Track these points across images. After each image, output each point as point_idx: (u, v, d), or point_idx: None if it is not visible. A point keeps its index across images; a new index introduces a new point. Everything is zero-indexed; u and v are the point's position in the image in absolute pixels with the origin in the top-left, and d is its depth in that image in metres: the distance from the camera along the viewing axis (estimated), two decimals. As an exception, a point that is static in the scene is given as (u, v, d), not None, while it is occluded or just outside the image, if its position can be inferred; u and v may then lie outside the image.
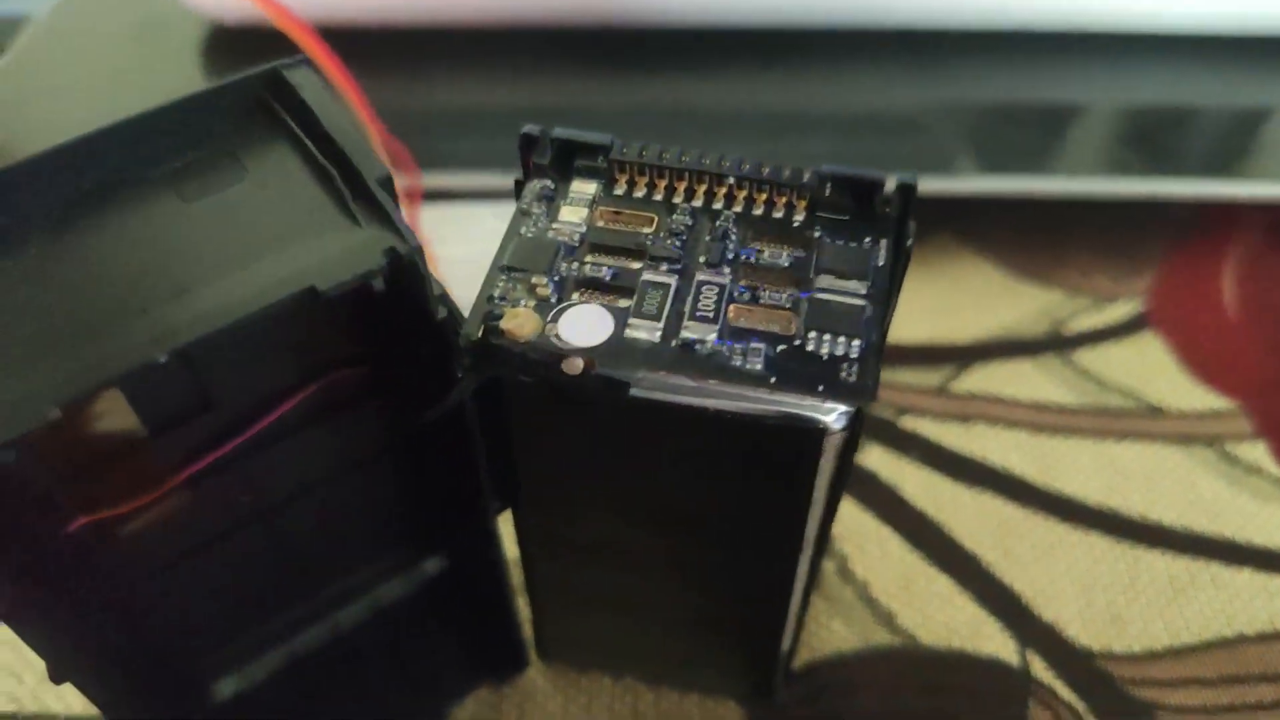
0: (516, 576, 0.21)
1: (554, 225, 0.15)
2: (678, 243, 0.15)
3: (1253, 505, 0.27)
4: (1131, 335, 0.31)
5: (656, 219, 0.15)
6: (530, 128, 0.16)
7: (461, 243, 0.22)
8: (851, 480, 0.27)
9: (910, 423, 0.29)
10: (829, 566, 0.25)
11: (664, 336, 0.14)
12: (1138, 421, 0.29)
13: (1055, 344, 0.31)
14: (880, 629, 0.24)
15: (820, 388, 0.14)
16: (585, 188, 0.16)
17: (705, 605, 0.20)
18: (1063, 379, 0.30)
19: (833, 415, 0.14)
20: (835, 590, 0.25)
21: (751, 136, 0.34)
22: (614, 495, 0.17)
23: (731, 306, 0.14)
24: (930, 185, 0.32)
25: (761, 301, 0.14)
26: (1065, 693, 0.23)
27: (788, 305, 0.14)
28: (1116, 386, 0.30)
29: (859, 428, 0.15)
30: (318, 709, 0.22)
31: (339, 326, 0.15)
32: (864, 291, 0.15)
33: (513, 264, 0.15)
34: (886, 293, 0.15)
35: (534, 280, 0.14)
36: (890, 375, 0.30)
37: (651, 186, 0.16)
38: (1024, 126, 0.34)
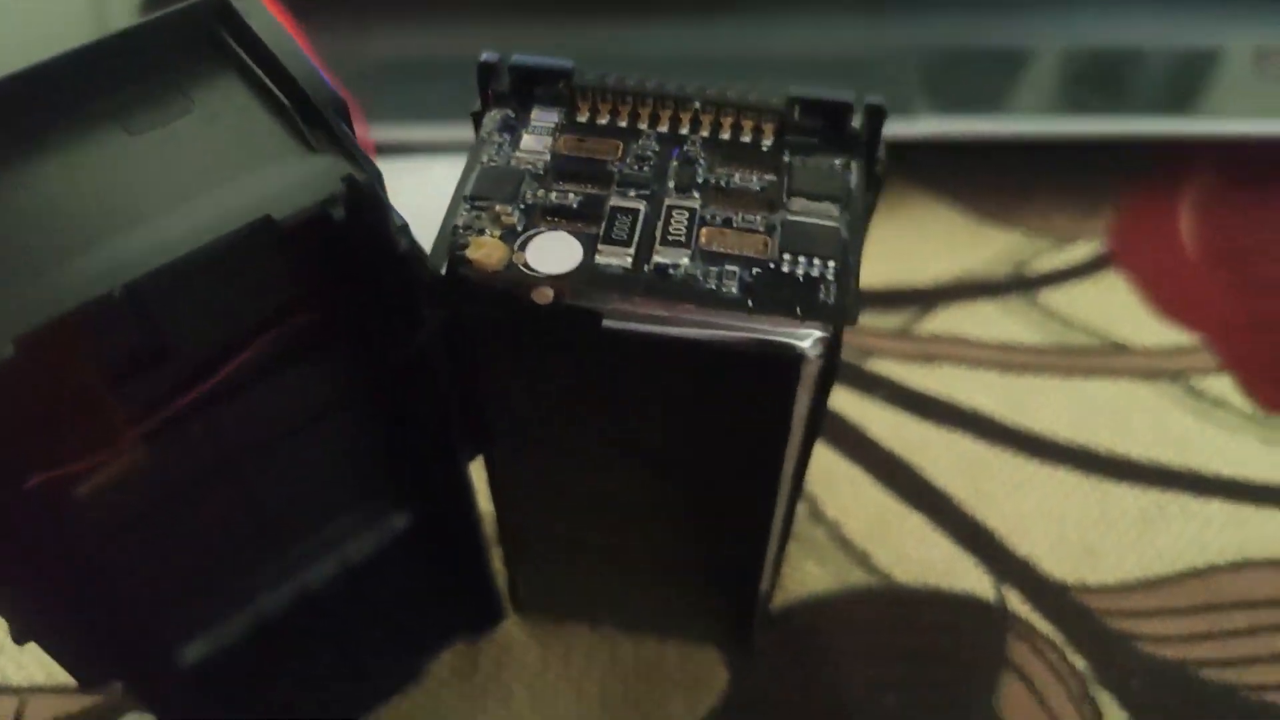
0: (489, 527, 0.21)
1: (517, 154, 0.15)
2: (645, 168, 0.15)
3: (1220, 437, 0.28)
4: (1094, 275, 0.32)
5: (622, 145, 0.15)
6: (489, 55, 0.15)
7: (412, 196, 0.22)
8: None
9: (875, 365, 0.29)
10: (801, 509, 0.25)
11: (635, 262, 0.14)
12: (1104, 359, 0.29)
13: (1018, 285, 0.31)
14: (856, 569, 0.24)
15: (799, 310, 0.13)
16: (547, 116, 0.15)
17: (683, 549, 0.20)
18: (1028, 319, 0.30)
19: (808, 341, 0.14)
20: (807, 532, 0.25)
21: (706, 82, 0.33)
22: (588, 436, 0.17)
23: (704, 231, 0.14)
24: (887, 130, 0.32)
25: (734, 225, 0.14)
26: (1043, 626, 0.23)
27: (761, 229, 0.14)
28: (1081, 325, 0.30)
29: (836, 357, 0.14)
30: (289, 669, 0.22)
31: (299, 262, 0.14)
32: (838, 213, 0.14)
33: (476, 193, 0.14)
34: (861, 214, 0.14)
35: (499, 209, 0.14)
36: (858, 320, 0.30)
37: (615, 113, 0.15)
38: (980, 69, 0.34)
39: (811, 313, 0.13)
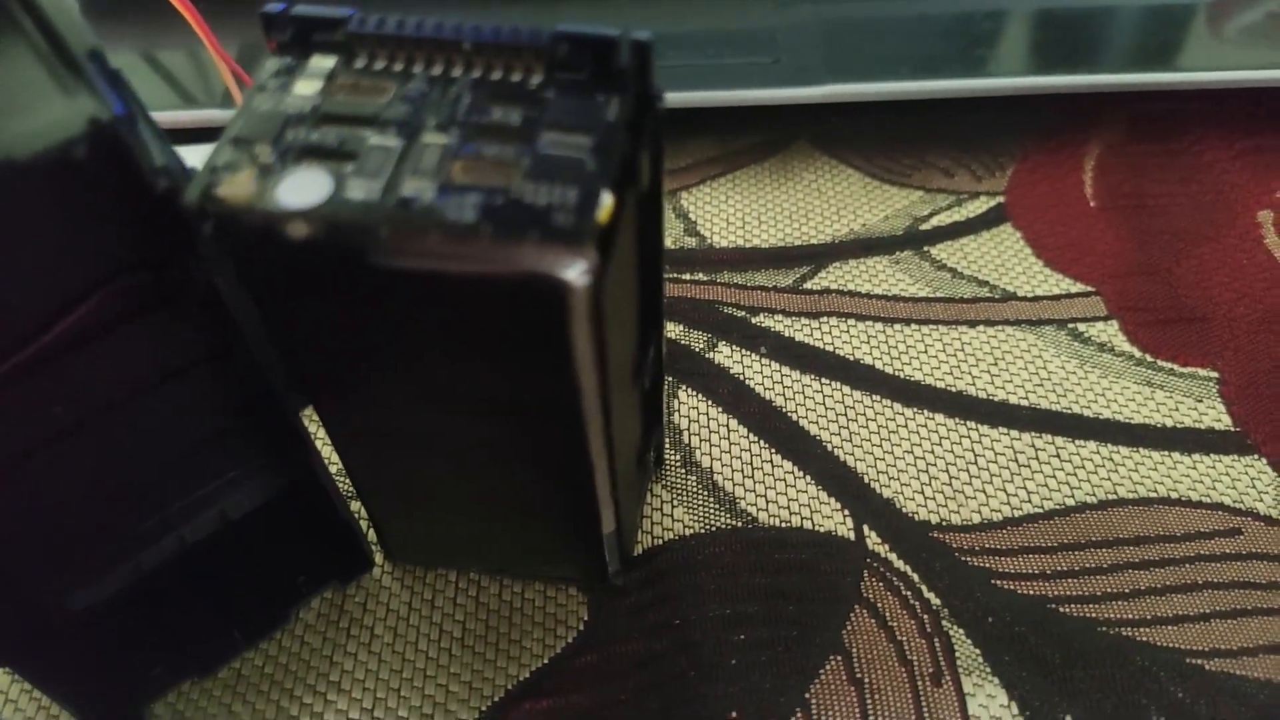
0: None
1: (288, 99, 0.15)
2: (409, 109, 0.15)
3: (1102, 382, 0.28)
4: (989, 229, 0.32)
5: (393, 88, 0.15)
6: (270, 6, 0.16)
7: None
8: (701, 376, 0.28)
9: (762, 320, 0.29)
10: (675, 458, 0.26)
11: (383, 193, 0.14)
12: (989, 307, 0.30)
13: (912, 241, 0.31)
14: (722, 514, 0.25)
15: (535, 233, 0.14)
16: (324, 63, 0.16)
17: (521, 492, 0.20)
18: (919, 273, 0.31)
19: (575, 270, 0.14)
20: (679, 480, 0.25)
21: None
22: (391, 379, 0.17)
23: (457, 164, 0.15)
24: (790, 94, 0.32)
25: (486, 159, 0.15)
26: (899, 563, 0.24)
27: (512, 161, 0.15)
28: (971, 277, 0.30)
29: (604, 284, 0.15)
30: (168, 617, 0.22)
31: (73, 211, 0.15)
32: (590, 145, 0.15)
33: (240, 135, 0.15)
34: (616, 145, 0.15)
35: (258, 150, 0.15)
36: (744, 278, 0.30)
37: (392, 59, 0.16)
38: (881, 34, 0.34)
39: (549, 236, 0.14)
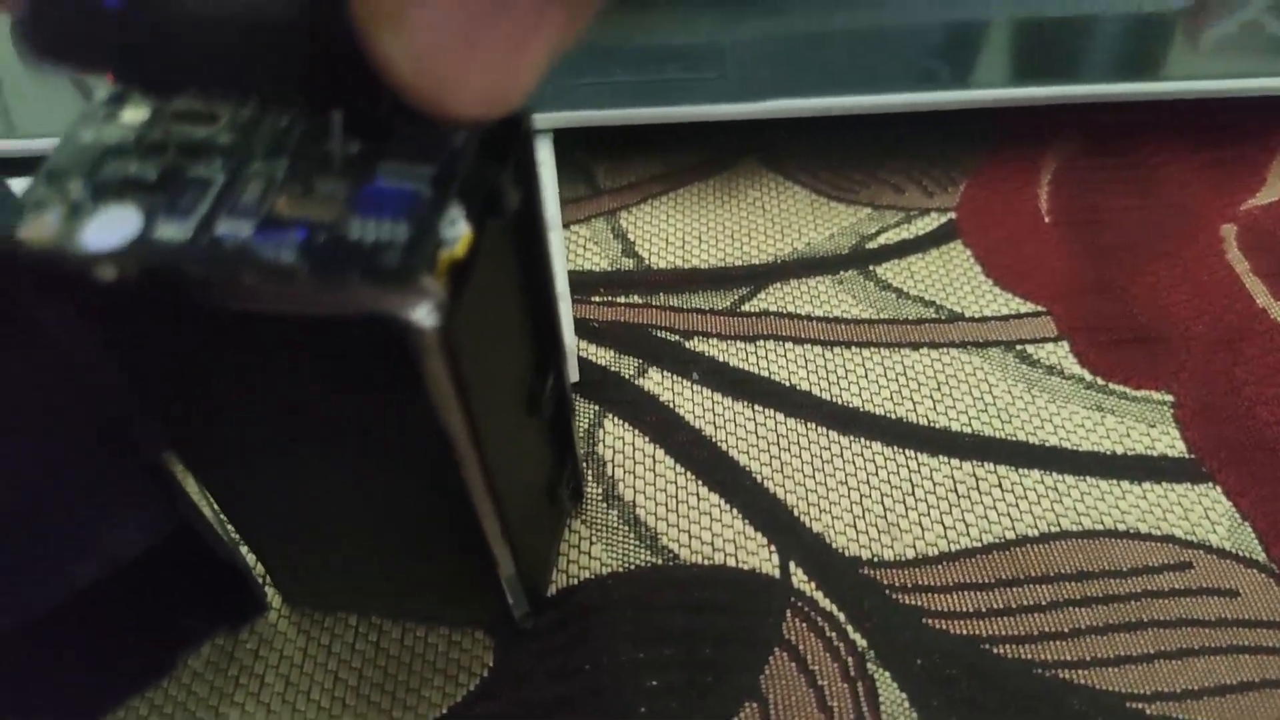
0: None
1: (110, 128, 0.14)
2: (240, 137, 0.14)
3: (1050, 406, 0.27)
4: (938, 247, 0.31)
5: (227, 114, 0.15)
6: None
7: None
8: (628, 404, 0.26)
9: (697, 345, 0.28)
10: (596, 492, 0.25)
11: (195, 231, 0.13)
12: (934, 329, 0.28)
13: (858, 259, 0.30)
14: (642, 550, 0.24)
15: (357, 274, 0.13)
16: (158, 88, 0.15)
17: (405, 532, 0.19)
18: (862, 293, 0.29)
19: (419, 311, 0.13)
20: (599, 515, 0.24)
21: (552, 72, 0.33)
22: (245, 416, 0.16)
23: (281, 199, 0.14)
24: (736, 110, 0.31)
25: (315, 192, 0.14)
26: (825, 602, 0.23)
27: (343, 195, 0.14)
28: (917, 297, 0.29)
29: (457, 322, 0.14)
30: (52, 663, 0.22)
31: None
32: (431, 174, 0.14)
33: (54, 168, 0.14)
34: (457, 175, 0.14)
35: (70, 185, 0.14)
36: (681, 300, 0.29)
37: (233, 83, 0.15)
38: (826, 48, 0.33)
39: (371, 277, 0.13)
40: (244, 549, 0.22)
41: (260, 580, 0.23)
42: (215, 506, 0.20)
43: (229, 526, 0.21)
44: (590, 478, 0.25)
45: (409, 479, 0.18)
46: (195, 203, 0.13)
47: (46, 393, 0.17)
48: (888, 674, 0.22)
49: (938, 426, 0.26)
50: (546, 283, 0.19)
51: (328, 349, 0.15)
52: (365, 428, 0.16)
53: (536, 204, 0.17)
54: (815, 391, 0.27)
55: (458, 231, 0.14)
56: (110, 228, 0.13)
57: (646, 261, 0.31)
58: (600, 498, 0.25)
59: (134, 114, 0.15)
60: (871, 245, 0.31)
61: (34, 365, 0.17)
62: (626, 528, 0.24)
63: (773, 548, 0.24)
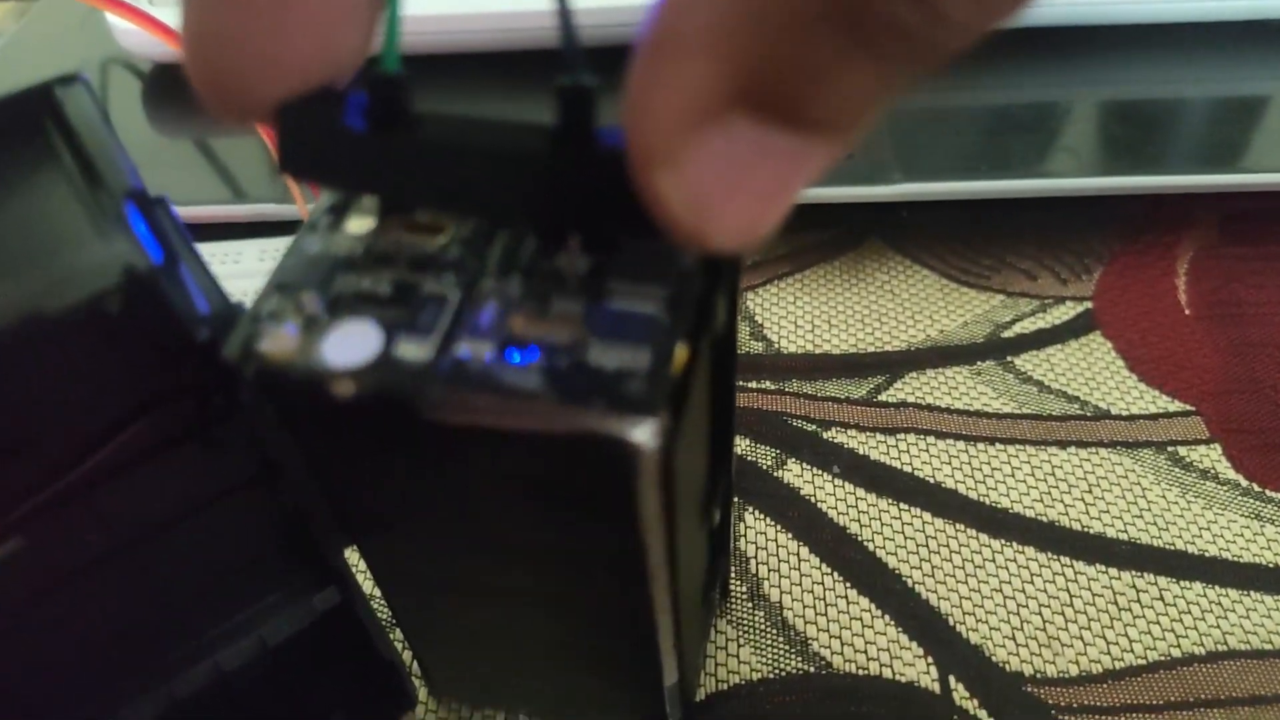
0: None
1: (337, 238, 0.14)
2: (469, 251, 0.14)
3: (1206, 513, 0.26)
4: (1077, 338, 0.30)
5: (452, 227, 0.14)
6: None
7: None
8: (769, 497, 0.26)
9: (835, 435, 0.27)
10: (740, 590, 0.24)
11: (437, 352, 0.13)
12: (1081, 426, 0.27)
13: (994, 349, 0.30)
14: (792, 656, 0.23)
15: (601, 401, 0.12)
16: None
17: (575, 638, 0.19)
18: (1002, 385, 0.29)
19: (643, 433, 0.13)
20: (746, 615, 0.24)
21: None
22: (442, 527, 0.16)
23: (517, 317, 0.13)
24: (862, 191, 0.31)
25: (551, 311, 0.13)
26: (989, 721, 0.22)
27: (579, 314, 0.13)
28: (1059, 391, 0.28)
29: (676, 445, 0.14)
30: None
31: (108, 355, 0.14)
32: (663, 297, 0.13)
33: (286, 280, 0.14)
34: (690, 298, 0.13)
35: (304, 297, 0.13)
36: (814, 388, 0.29)
37: (453, 193, 0.15)
38: (951, 128, 0.33)
39: (616, 405, 0.12)
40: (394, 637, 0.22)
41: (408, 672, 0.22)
42: (381, 598, 0.19)
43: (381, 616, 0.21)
44: (734, 574, 0.24)
45: (589, 588, 0.17)
46: (434, 321, 0.13)
47: (237, 481, 0.17)
48: (1059, 802, 0.21)
49: (1092, 532, 0.25)
50: (730, 391, 0.18)
51: (539, 462, 0.14)
52: (559, 540, 0.16)
53: (734, 317, 0.17)
54: (961, 490, 0.26)
55: (677, 354, 0.13)
56: (350, 344, 0.13)
57: (776, 345, 0.30)
58: (745, 596, 0.24)
59: (359, 224, 0.14)
60: (1007, 334, 0.30)
61: (233, 456, 0.17)
62: (775, 630, 0.23)
63: (930, 659, 0.23)
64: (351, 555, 0.19)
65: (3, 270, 0.13)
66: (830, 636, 0.23)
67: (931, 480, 0.26)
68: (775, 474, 0.26)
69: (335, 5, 0.12)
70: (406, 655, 0.22)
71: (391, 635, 0.21)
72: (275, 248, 0.30)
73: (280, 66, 0.12)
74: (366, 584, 0.20)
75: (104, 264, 0.13)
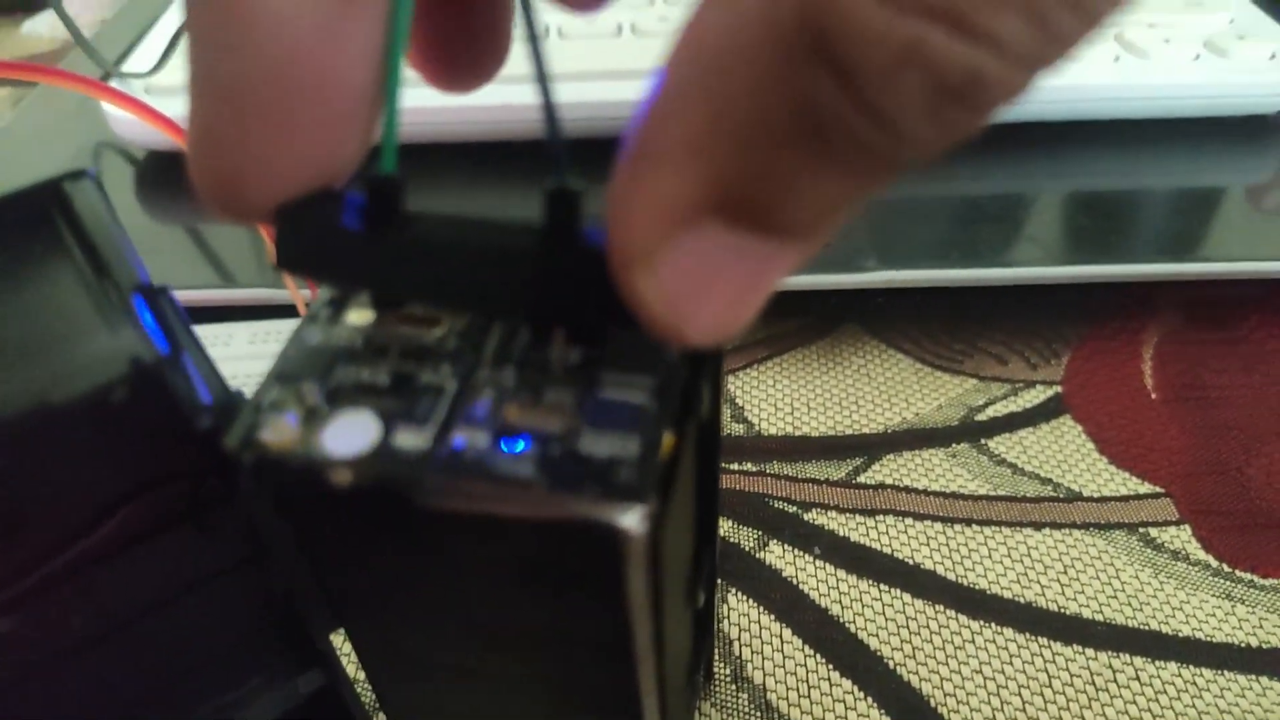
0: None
1: (337, 329, 0.15)
2: (465, 343, 0.14)
3: (1179, 594, 0.26)
4: (1048, 421, 0.31)
5: (448, 320, 0.15)
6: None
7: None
8: (751, 579, 0.26)
9: (815, 517, 0.28)
10: (724, 672, 0.24)
11: (434, 441, 0.13)
12: (1054, 508, 0.28)
13: (968, 432, 0.30)
14: (776, 740, 0.23)
15: (593, 488, 0.13)
16: (378, 290, 0.15)
17: (555, 718, 0.19)
18: (976, 467, 0.29)
19: (630, 518, 0.13)
20: (729, 698, 0.24)
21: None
22: (432, 612, 0.16)
23: (511, 407, 0.14)
24: (836, 280, 0.32)
25: (544, 401, 0.14)
26: (971, 805, 0.22)
27: (570, 403, 0.14)
28: (1033, 473, 0.29)
29: (664, 529, 0.14)
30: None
31: (110, 443, 0.14)
32: (650, 385, 0.14)
33: (285, 371, 0.14)
34: (676, 386, 0.14)
35: (304, 388, 0.14)
36: (795, 469, 0.29)
37: (450, 285, 0.15)
38: (924, 218, 0.34)
39: (606, 492, 0.13)
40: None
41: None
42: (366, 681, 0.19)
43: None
44: (718, 656, 0.24)
45: (576, 671, 0.17)
46: (431, 411, 0.14)
47: (226, 564, 0.18)
48: None
49: (1069, 613, 0.26)
50: (715, 475, 0.19)
51: (527, 546, 0.14)
52: (546, 623, 0.16)
53: (718, 405, 0.17)
54: (940, 571, 0.26)
55: (663, 441, 0.14)
56: (349, 433, 0.13)
57: (756, 428, 0.31)
58: (729, 678, 0.24)
59: (358, 316, 0.15)
60: (980, 418, 0.31)
61: (223, 540, 0.17)
62: (759, 713, 0.23)
63: (912, 741, 0.23)
64: (337, 639, 0.19)
65: (11, 360, 0.13)
66: (813, 719, 0.23)
67: (910, 561, 0.27)
68: (758, 555, 0.27)
69: (337, 113, 0.13)
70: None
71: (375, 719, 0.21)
72: (266, 331, 0.30)
73: (282, 171, 0.13)
74: (351, 667, 0.20)
75: (111, 355, 0.13)
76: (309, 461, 0.13)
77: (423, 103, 0.35)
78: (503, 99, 0.34)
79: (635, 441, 0.13)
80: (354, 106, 0.13)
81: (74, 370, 0.13)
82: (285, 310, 0.31)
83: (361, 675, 0.20)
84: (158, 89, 0.36)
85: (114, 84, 0.36)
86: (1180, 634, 0.25)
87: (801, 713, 0.23)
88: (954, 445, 0.30)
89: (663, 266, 0.11)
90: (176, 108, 0.32)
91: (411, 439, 0.13)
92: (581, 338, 0.14)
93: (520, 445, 0.13)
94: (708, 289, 0.12)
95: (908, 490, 0.28)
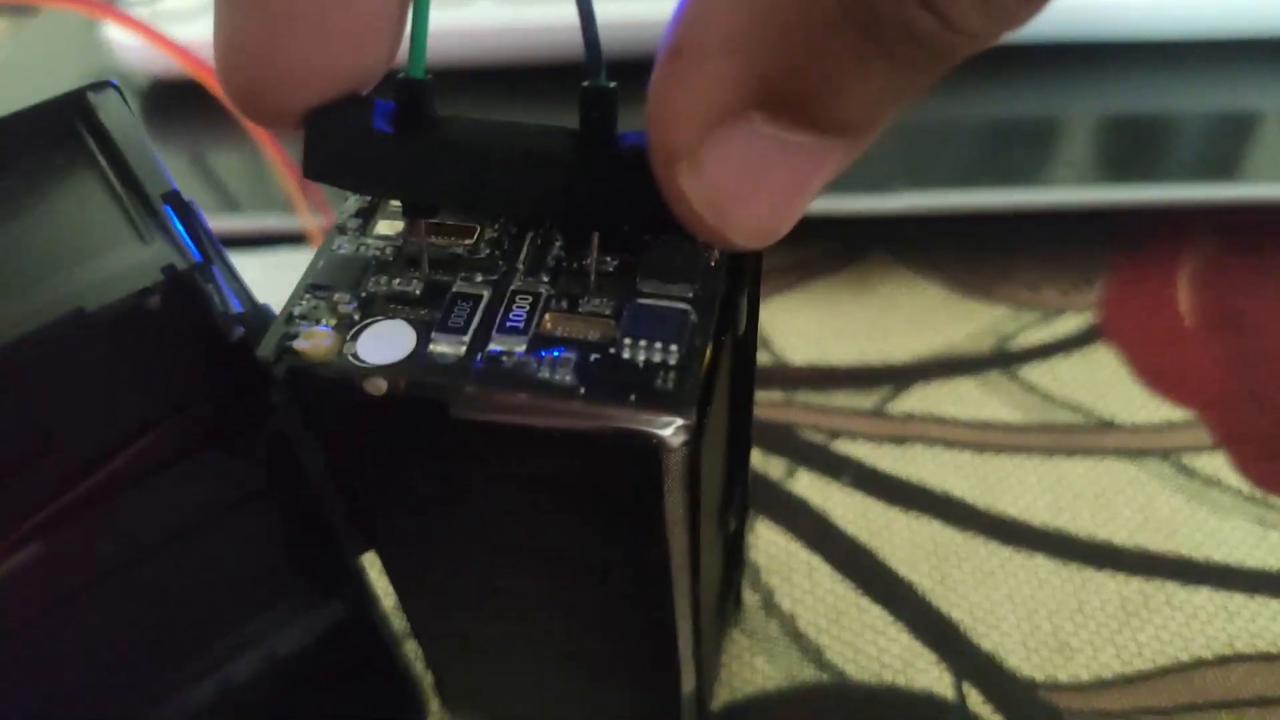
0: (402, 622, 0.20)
1: (366, 240, 0.14)
2: (497, 252, 0.14)
3: (1212, 519, 0.26)
4: (1082, 348, 0.30)
5: (479, 229, 0.14)
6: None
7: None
8: (780, 508, 0.26)
9: (843, 446, 0.27)
10: (753, 600, 0.24)
11: (469, 350, 0.13)
12: (1088, 436, 0.28)
13: (1000, 360, 0.30)
14: (807, 665, 0.23)
15: (633, 397, 0.13)
16: (407, 200, 0.15)
17: (593, 646, 0.19)
18: (1008, 396, 0.29)
19: (670, 429, 0.13)
20: (759, 625, 0.24)
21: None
22: (464, 530, 0.16)
23: (547, 316, 0.13)
24: (866, 204, 0.31)
25: (580, 309, 0.14)
26: (1003, 726, 0.22)
27: (608, 312, 0.13)
28: (1066, 402, 0.29)
29: (702, 441, 0.14)
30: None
31: (144, 356, 0.14)
32: (690, 295, 0.14)
33: (318, 281, 0.14)
34: (716, 296, 0.14)
35: (337, 298, 0.14)
36: (823, 399, 0.29)
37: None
38: (956, 141, 0.33)
39: (648, 400, 0.13)
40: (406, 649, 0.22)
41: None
42: (395, 602, 0.19)
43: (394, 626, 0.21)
44: (747, 585, 0.24)
45: (613, 596, 0.17)
46: (466, 319, 0.13)
47: (254, 489, 0.17)
48: (1076, 806, 0.21)
49: (1100, 539, 0.25)
50: (749, 396, 0.19)
51: (564, 461, 0.14)
52: (581, 543, 0.16)
53: (755, 321, 0.17)
54: (970, 499, 0.26)
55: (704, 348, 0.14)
56: (384, 342, 0.13)
57: (783, 356, 0.30)
58: (759, 606, 0.24)
59: (388, 226, 0.15)
60: (1012, 346, 0.30)
61: (251, 464, 0.17)
62: (788, 640, 0.23)
63: (944, 666, 0.23)
64: (369, 567, 0.19)
65: (42, 271, 0.13)
66: (844, 645, 0.23)
67: (940, 490, 0.26)
68: (786, 485, 0.27)
69: (366, 15, 0.12)
70: (419, 667, 0.22)
71: (405, 647, 0.21)
72: (277, 261, 0.30)
73: (312, 75, 0.12)
74: (388, 600, 0.20)
75: (144, 263, 0.13)
76: (344, 370, 0.13)
77: (451, 24, 0.34)
78: (536, 18, 0.33)
79: (675, 350, 0.13)
80: (383, 8, 0.12)
81: (106, 280, 0.13)
82: (295, 239, 0.30)
83: (393, 604, 0.20)
84: (164, 14, 0.36)
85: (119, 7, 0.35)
86: (1213, 559, 0.25)
87: (832, 639, 0.23)
88: (985, 373, 0.29)
89: (707, 164, 0.11)
90: (184, 32, 0.31)
91: (448, 347, 0.13)
92: (617, 244, 0.14)
93: (558, 354, 0.13)
94: (753, 188, 0.11)
95: (938, 419, 0.28)
